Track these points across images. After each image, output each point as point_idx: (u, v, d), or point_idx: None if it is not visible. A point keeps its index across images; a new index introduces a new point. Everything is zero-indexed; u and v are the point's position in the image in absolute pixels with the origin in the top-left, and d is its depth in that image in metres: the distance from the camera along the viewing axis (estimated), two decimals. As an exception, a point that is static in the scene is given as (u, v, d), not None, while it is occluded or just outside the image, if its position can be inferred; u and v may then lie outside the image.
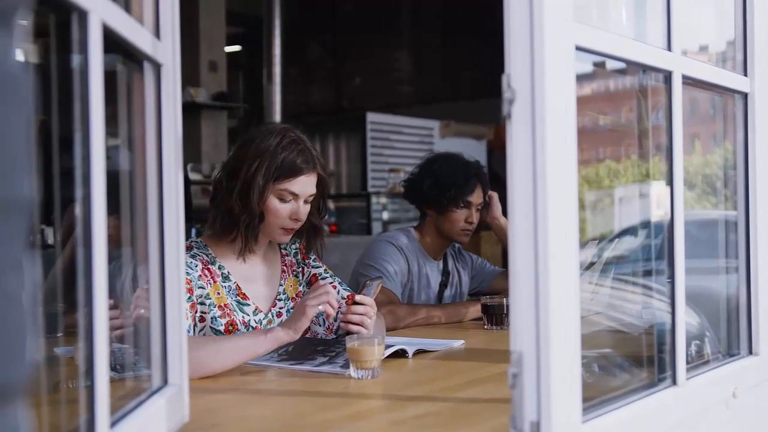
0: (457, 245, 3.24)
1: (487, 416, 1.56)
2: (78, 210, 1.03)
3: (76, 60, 1.03)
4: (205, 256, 2.23)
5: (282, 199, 2.21)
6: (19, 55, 0.57)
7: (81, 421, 1.04)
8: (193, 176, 6.92)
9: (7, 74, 0.55)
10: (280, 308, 2.34)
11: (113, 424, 1.11)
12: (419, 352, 2.20)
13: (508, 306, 2.66)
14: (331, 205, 7.81)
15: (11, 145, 0.55)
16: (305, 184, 2.23)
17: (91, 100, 1.03)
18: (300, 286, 2.41)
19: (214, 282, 2.21)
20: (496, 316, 2.67)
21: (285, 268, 2.40)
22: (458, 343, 2.37)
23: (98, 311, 1.03)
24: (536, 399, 1.18)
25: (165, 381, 1.39)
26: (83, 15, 1.01)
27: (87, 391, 1.03)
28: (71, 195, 1.05)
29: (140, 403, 1.28)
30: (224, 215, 2.22)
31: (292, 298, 2.38)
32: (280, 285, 2.37)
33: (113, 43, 1.13)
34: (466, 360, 2.22)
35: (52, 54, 1.07)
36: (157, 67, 1.36)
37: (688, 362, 1.57)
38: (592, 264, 2.21)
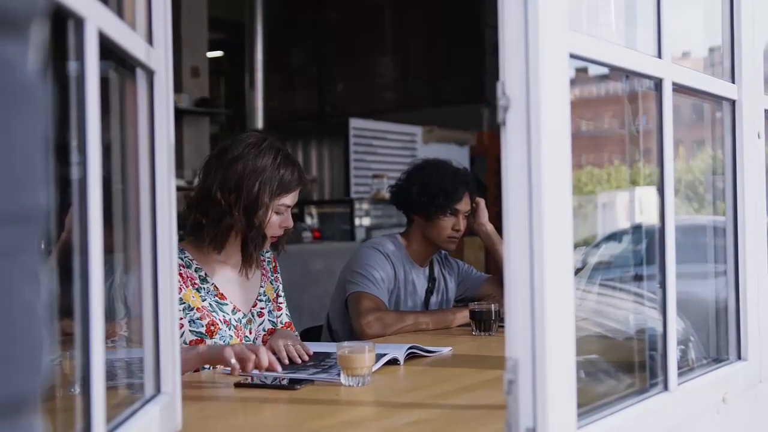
0: (443, 251, 3.24)
1: (480, 423, 1.56)
2: (74, 217, 1.03)
3: (71, 66, 1.03)
4: (179, 260, 2.25)
5: (277, 213, 2.32)
6: (35, 64, 0.57)
7: (77, 430, 1.03)
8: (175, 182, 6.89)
9: (24, 84, 0.55)
10: (261, 308, 2.43)
11: (108, 433, 1.10)
12: (411, 357, 2.20)
13: (496, 312, 2.68)
14: (314, 211, 7.80)
15: (27, 154, 0.54)
16: (296, 196, 2.37)
17: (88, 107, 1.02)
18: (274, 292, 2.51)
19: (188, 287, 2.26)
20: (484, 322, 2.68)
21: (264, 271, 2.49)
22: (447, 350, 2.38)
23: (94, 320, 1.02)
24: (532, 405, 1.18)
25: (158, 389, 1.38)
26: (79, 22, 1.00)
27: (83, 399, 1.02)
28: (59, 201, 1.04)
29: (134, 411, 1.27)
30: (225, 231, 2.28)
31: (272, 300, 2.48)
32: (261, 287, 2.45)
33: (107, 49, 1.13)
34: (455, 366, 2.22)
35: (47, 60, 1.06)
36: (150, 74, 1.36)
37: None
38: (578, 270, 2.22)
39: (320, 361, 2.15)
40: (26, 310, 0.55)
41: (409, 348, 2.21)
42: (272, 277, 2.52)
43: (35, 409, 0.56)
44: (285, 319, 2.51)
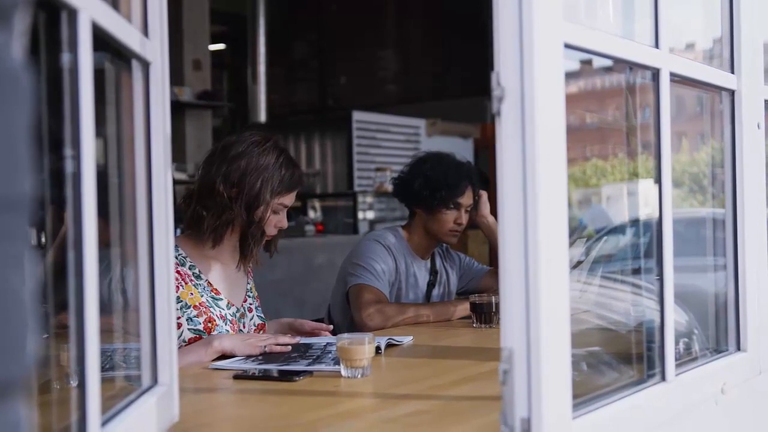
0: (445, 244, 3.24)
1: (477, 413, 1.56)
2: (68, 210, 1.03)
3: (65, 58, 1.03)
4: (173, 253, 2.26)
5: (275, 212, 2.36)
6: (19, 53, 0.57)
7: (72, 421, 1.03)
8: (177, 176, 6.90)
9: (8, 72, 0.55)
10: (250, 304, 2.48)
11: (104, 423, 1.11)
12: (389, 346, 2.26)
13: (496, 304, 2.68)
14: (317, 204, 7.80)
15: (12, 142, 0.55)
16: (294, 197, 2.41)
17: (81, 99, 1.02)
18: (255, 290, 2.56)
19: (186, 284, 2.29)
20: (485, 314, 2.68)
21: (250, 270, 2.53)
22: (408, 339, 2.41)
23: (89, 312, 1.02)
24: (527, 395, 1.18)
25: (155, 380, 1.39)
26: (73, 13, 1.00)
27: (78, 391, 1.02)
28: (57, 195, 1.05)
29: (130, 402, 1.27)
30: (225, 225, 2.31)
31: (256, 297, 2.53)
32: (248, 283, 2.50)
33: (101, 41, 1.13)
34: (455, 358, 2.22)
35: (41, 52, 1.07)
36: (145, 65, 1.36)
37: (676, 359, 1.57)
38: (579, 262, 2.22)
39: (304, 352, 2.15)
40: (11, 297, 0.55)
41: (387, 343, 2.25)
42: (252, 276, 2.57)
43: (21, 394, 0.56)
44: (257, 321, 2.51)
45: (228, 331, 2.30)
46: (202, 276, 2.34)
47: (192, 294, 2.28)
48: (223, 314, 2.32)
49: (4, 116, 0.54)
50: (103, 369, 1.13)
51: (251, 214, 2.30)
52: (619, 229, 2.57)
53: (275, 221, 2.36)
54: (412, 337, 2.43)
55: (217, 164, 2.32)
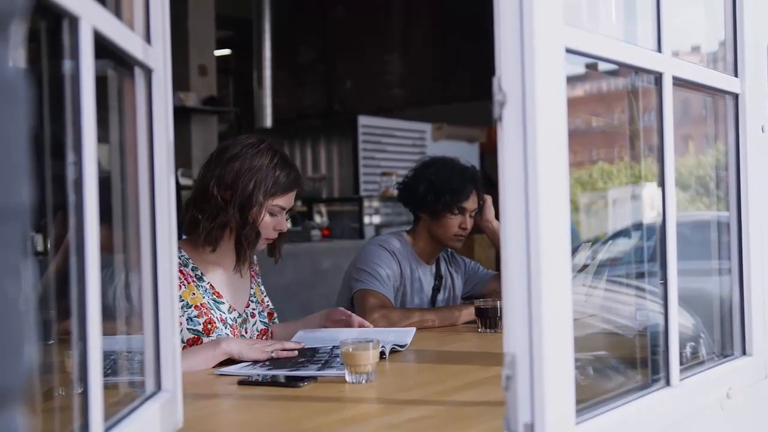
0: (450, 249, 3.24)
1: (481, 419, 1.56)
2: (70, 217, 1.03)
3: (66, 65, 1.03)
4: (176, 259, 2.27)
5: (272, 214, 2.35)
6: (16, 62, 0.57)
7: (75, 427, 1.03)
8: (183, 181, 6.90)
9: (4, 81, 0.55)
10: (253, 309, 2.47)
11: (107, 430, 1.11)
12: (393, 352, 2.25)
13: (501, 309, 2.67)
14: (323, 209, 7.80)
15: (9, 151, 0.55)
16: (292, 199, 2.40)
17: (83, 106, 1.02)
18: (262, 294, 2.55)
19: (188, 283, 2.30)
20: (490, 319, 2.67)
21: (253, 274, 2.53)
22: (411, 333, 2.42)
23: (91, 318, 1.03)
24: (530, 401, 1.18)
25: (158, 387, 1.39)
26: (74, 21, 1.01)
27: (81, 397, 1.03)
28: (62, 202, 1.05)
29: (134, 409, 1.27)
30: (220, 227, 2.31)
31: (260, 302, 2.52)
32: (251, 288, 2.50)
33: (103, 48, 1.13)
34: (460, 363, 2.22)
35: (42, 59, 1.07)
36: (148, 72, 1.36)
37: (682, 363, 1.57)
38: (585, 266, 2.21)
39: (311, 357, 2.15)
40: (7, 305, 0.55)
41: (392, 348, 2.25)
42: (258, 281, 2.56)
43: (18, 402, 0.56)
44: (260, 326, 2.51)
45: (228, 334, 2.30)
46: (204, 278, 2.34)
47: (194, 294, 2.29)
48: (224, 318, 2.32)
49: (1, 125, 0.54)
50: (105, 374, 1.13)
51: (245, 216, 2.30)
52: (624, 233, 2.56)
53: (274, 224, 2.35)
54: (414, 329, 2.44)
55: (212, 168, 2.33)
